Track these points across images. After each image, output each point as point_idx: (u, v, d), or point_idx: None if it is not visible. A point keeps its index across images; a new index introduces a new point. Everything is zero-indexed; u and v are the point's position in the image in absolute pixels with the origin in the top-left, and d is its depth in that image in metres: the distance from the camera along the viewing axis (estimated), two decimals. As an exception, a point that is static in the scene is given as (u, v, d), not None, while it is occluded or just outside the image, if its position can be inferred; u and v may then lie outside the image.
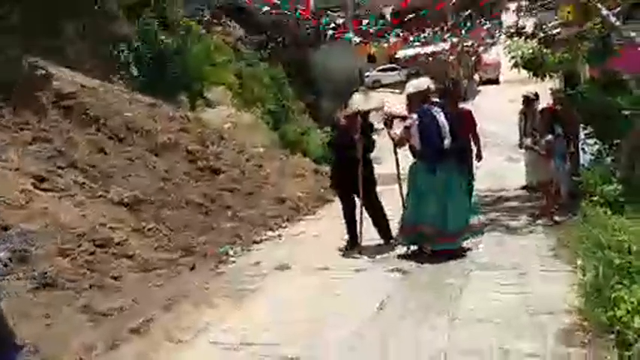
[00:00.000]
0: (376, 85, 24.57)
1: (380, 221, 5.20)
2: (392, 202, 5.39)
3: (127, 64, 11.79)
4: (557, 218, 5.50)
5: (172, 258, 4.81)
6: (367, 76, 26.53)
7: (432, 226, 4.56)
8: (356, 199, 5.18)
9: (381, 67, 27.20)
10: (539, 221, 5.56)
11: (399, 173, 5.15)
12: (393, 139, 4.90)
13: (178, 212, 6.03)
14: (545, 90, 8.99)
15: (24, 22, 8.57)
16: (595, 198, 5.03)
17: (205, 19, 17.92)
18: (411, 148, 4.74)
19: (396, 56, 25.20)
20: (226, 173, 7.88)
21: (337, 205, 5.59)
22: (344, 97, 5.97)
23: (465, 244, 4.82)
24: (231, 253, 5.25)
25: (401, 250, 4.88)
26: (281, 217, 7.08)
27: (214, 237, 5.75)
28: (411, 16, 14.37)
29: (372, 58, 26.50)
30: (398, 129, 4.91)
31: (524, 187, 8.01)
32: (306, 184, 9.37)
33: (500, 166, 10.52)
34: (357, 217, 5.15)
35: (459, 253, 4.62)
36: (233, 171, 8.09)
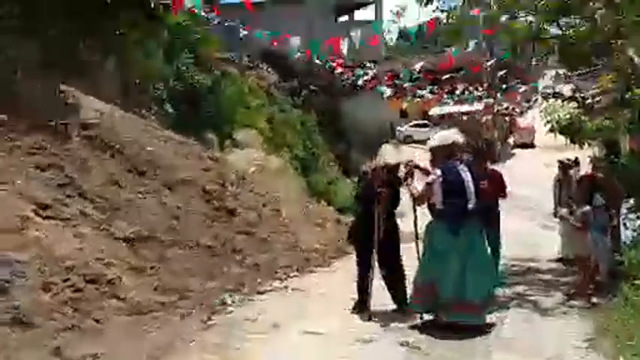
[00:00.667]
0: (408, 140, 24.42)
1: (397, 285, 4.73)
2: (408, 260, 4.92)
3: (162, 101, 12.02)
4: (594, 300, 4.91)
5: (166, 302, 4.48)
6: (399, 131, 26.52)
7: (448, 291, 4.09)
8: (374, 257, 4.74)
9: (413, 123, 27.21)
10: (574, 301, 4.97)
11: (416, 232, 4.73)
12: (412, 195, 4.53)
13: (184, 252, 5.75)
14: (583, 158, 8.53)
15: (63, 54, 8.80)
16: (639, 281, 4.45)
17: (244, 63, 18.39)
18: (430, 206, 4.36)
19: (429, 113, 25.15)
20: (242, 216, 7.60)
21: (354, 260, 5.17)
22: (374, 148, 5.70)
23: (489, 318, 4.30)
24: (229, 302, 4.87)
25: (414, 319, 4.38)
26: (291, 266, 6.69)
27: (218, 282, 5.40)
28: (447, 76, 14.34)
29: (404, 114, 26.60)
30: (419, 184, 4.55)
31: (559, 260, 7.39)
32: (325, 234, 9.00)
33: (532, 232, 9.89)
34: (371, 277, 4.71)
35: (482, 329, 4.10)
36: (250, 214, 7.82)
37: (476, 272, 4.10)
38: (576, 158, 8.83)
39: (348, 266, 6.19)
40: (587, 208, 5.17)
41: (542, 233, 9.52)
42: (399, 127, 26.67)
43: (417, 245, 4.68)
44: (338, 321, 4.47)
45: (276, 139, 15.40)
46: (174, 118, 11.53)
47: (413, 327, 4.25)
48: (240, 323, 4.31)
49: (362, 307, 4.66)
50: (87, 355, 3.32)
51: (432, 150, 4.52)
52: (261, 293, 5.45)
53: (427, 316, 4.34)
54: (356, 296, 4.81)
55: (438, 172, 4.29)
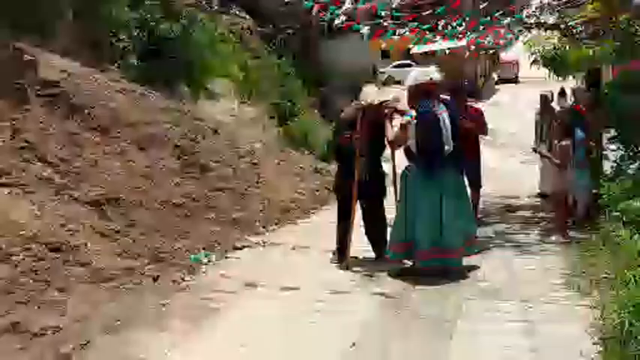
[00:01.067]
0: (389, 81, 23.89)
1: (377, 235, 4.60)
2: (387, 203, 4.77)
3: (125, 53, 11.36)
4: (572, 235, 4.87)
5: (135, 266, 4.31)
6: (381, 72, 25.89)
7: (424, 242, 3.98)
8: (357, 206, 4.57)
9: (396, 63, 26.49)
10: (552, 237, 4.93)
11: (394, 177, 4.54)
12: (388, 139, 4.31)
13: (154, 213, 5.52)
14: (567, 90, 8.33)
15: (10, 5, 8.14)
16: (617, 214, 4.36)
17: (212, 8, 17.40)
18: (406, 150, 4.15)
19: (412, 52, 24.48)
20: (217, 171, 7.35)
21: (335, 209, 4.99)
22: (354, 92, 5.35)
23: (466, 261, 4.23)
24: (204, 261, 4.74)
25: (393, 267, 4.29)
26: (269, 220, 6.55)
27: (191, 242, 5.23)
28: (428, 12, 13.68)
29: (386, 54, 25.85)
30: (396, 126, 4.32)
31: (538, 195, 7.38)
32: (304, 184, 8.83)
33: (514, 168, 9.86)
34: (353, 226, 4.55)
35: (460, 274, 4.03)
36: (224, 169, 7.56)
37: (452, 220, 3.98)
38: (562, 89, 8.62)
39: (327, 216, 6.07)
40: (567, 142, 5.01)
41: (522, 168, 9.48)
42: (380, 69, 26.00)
43: (395, 190, 4.52)
44: (315, 274, 4.38)
45: (251, 87, 14.85)
46: (141, 71, 10.96)
47: (391, 275, 4.16)
48: (214, 283, 4.19)
49: (340, 257, 4.56)
50: (47, 327, 3.16)
51: (409, 89, 4.25)
52: (238, 249, 5.31)
53: (406, 262, 4.25)
54: (335, 246, 4.71)
55: (413, 113, 4.05)
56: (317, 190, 8.43)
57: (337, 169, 4.97)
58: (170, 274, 4.33)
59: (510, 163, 10.06)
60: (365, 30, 11.84)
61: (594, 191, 5.26)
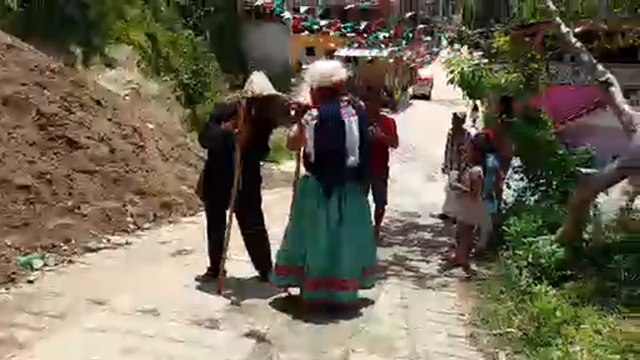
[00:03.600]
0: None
1: (257, 249, 3.87)
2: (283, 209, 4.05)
3: (8, -5, 9.61)
4: (473, 268, 4.55)
5: None
6: (305, 68, 25.47)
7: (315, 268, 3.34)
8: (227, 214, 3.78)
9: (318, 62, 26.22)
10: (452, 271, 4.56)
11: (295, 182, 3.76)
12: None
13: (-12, 195, 4.33)
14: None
15: None
16: (520, 252, 4.06)
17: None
18: (304, 156, 3.47)
19: (335, 54, 24.31)
20: (89, 150, 6.14)
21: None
22: (274, 82, 4.40)
23: (362, 293, 3.64)
24: (38, 266, 3.69)
25: (276, 294, 3.58)
26: (145, 215, 5.56)
27: (29, 237, 4.13)
28: (351, 5, 13.42)
29: (312, 51, 25.52)
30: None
31: (441, 216, 7.17)
32: (197, 178, 7.86)
33: (421, 184, 9.73)
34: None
35: (353, 310, 3.43)
36: (101, 148, 6.37)
37: (351, 246, 3.36)
38: (475, 105, 8.57)
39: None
40: (477, 169, 4.65)
41: (429, 185, 9.36)
42: (304, 65, 25.56)
43: (293, 199, 3.73)
44: (179, 295, 3.53)
45: (159, 61, 13.50)
46: (19, 19, 9.35)
47: (273, 305, 3.46)
48: (38, 297, 3.20)
49: (214, 276, 3.76)
50: None
51: (311, 87, 3.53)
52: (93, 251, 4.31)
53: (292, 291, 3.57)
54: (209, 262, 3.90)
55: (314, 112, 3.36)
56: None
57: (208, 163, 3.98)
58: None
59: (418, 179, 9.93)
60: (287, 14, 11.15)
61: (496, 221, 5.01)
